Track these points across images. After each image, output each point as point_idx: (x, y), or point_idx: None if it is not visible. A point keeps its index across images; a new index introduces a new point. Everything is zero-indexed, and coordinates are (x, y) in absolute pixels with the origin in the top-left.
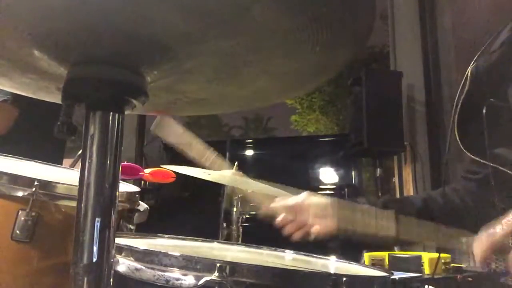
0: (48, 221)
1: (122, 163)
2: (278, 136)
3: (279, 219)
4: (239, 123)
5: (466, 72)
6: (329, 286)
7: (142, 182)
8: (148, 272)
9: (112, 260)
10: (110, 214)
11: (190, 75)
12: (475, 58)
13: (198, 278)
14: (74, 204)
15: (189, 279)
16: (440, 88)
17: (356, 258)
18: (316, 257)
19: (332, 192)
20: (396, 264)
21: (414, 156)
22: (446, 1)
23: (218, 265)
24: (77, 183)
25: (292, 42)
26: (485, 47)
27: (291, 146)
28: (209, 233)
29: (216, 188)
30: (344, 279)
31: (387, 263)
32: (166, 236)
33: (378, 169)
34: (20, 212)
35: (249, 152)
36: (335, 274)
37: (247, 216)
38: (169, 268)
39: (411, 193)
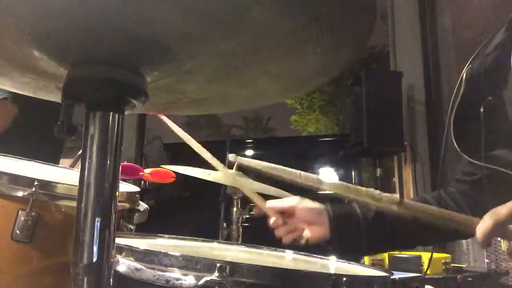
0: (48, 221)
1: (122, 163)
2: (278, 136)
3: (270, 221)
4: (239, 123)
5: (461, 75)
6: (329, 286)
7: (142, 182)
8: (148, 272)
9: (112, 260)
10: (110, 214)
11: (190, 75)
12: (469, 61)
13: (198, 278)
14: (74, 204)
15: (189, 279)
16: (440, 88)
17: (356, 258)
18: (316, 257)
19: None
20: (396, 264)
21: (414, 156)
22: (446, 1)
23: (218, 265)
24: (77, 183)
25: (292, 42)
26: (479, 50)
27: (291, 146)
28: (209, 233)
29: (216, 188)
30: (344, 279)
31: (387, 263)
32: (166, 236)
33: (378, 169)
34: (20, 212)
35: (249, 152)
36: (335, 274)
37: (247, 216)
38: (169, 268)
39: (411, 193)
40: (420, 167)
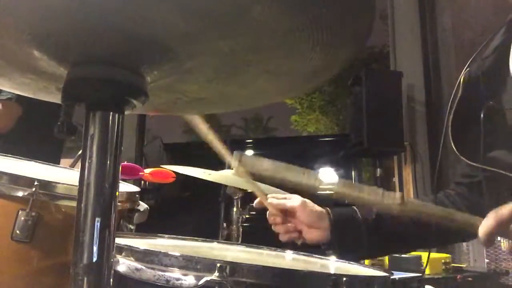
0: (48, 221)
1: (122, 163)
2: (278, 136)
3: (270, 218)
4: (239, 123)
5: (459, 78)
6: (329, 286)
7: (142, 182)
8: (148, 272)
9: (112, 260)
10: (110, 214)
11: (190, 75)
12: (467, 64)
13: (198, 278)
14: (74, 204)
15: (189, 279)
16: (440, 88)
17: (356, 261)
18: (316, 257)
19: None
20: (396, 264)
21: (414, 156)
22: (446, 1)
23: (218, 265)
24: (77, 183)
25: (292, 42)
26: (477, 53)
27: (291, 146)
28: (209, 233)
29: (216, 188)
30: (344, 279)
31: (387, 263)
32: (166, 236)
33: (378, 169)
34: (20, 212)
35: (249, 152)
36: (335, 274)
37: (247, 216)
38: (169, 268)
39: (411, 193)
40: (420, 167)
